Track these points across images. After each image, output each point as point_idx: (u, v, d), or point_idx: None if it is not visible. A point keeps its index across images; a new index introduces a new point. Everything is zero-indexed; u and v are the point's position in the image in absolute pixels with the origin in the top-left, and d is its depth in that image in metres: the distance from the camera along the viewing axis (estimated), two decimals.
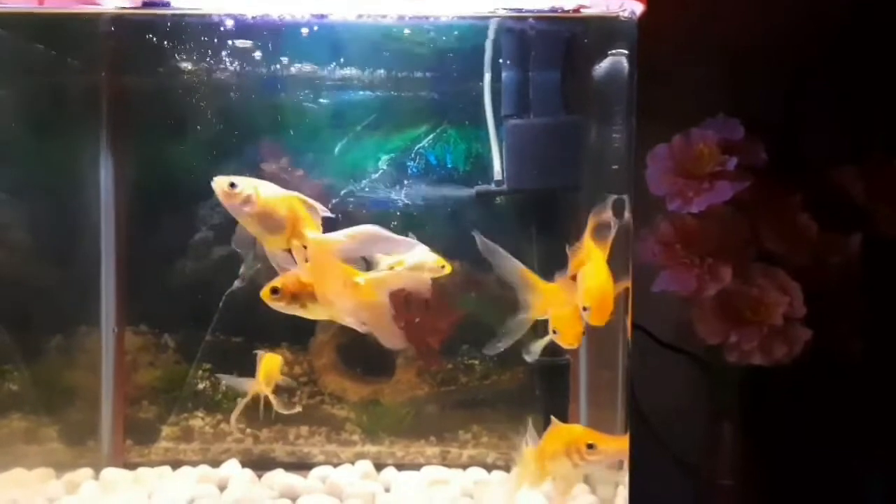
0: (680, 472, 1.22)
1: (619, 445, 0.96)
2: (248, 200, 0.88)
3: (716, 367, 1.17)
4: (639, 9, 0.92)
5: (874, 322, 1.15)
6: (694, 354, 1.20)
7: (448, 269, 1.04)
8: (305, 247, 0.90)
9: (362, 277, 0.93)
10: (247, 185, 0.89)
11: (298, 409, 1.13)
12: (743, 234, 1.14)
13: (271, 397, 1.09)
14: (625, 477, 0.99)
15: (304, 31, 1.01)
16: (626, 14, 0.92)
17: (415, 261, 1.04)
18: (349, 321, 0.93)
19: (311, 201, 0.92)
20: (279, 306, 0.93)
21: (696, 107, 1.17)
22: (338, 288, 0.91)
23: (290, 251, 0.91)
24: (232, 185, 0.88)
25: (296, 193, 0.92)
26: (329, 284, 0.91)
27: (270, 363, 1.08)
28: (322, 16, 0.97)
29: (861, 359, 1.14)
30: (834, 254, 1.15)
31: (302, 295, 0.92)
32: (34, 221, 1.05)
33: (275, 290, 0.92)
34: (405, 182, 1.14)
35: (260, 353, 1.08)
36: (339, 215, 1.14)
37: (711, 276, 1.11)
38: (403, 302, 1.17)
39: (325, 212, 0.92)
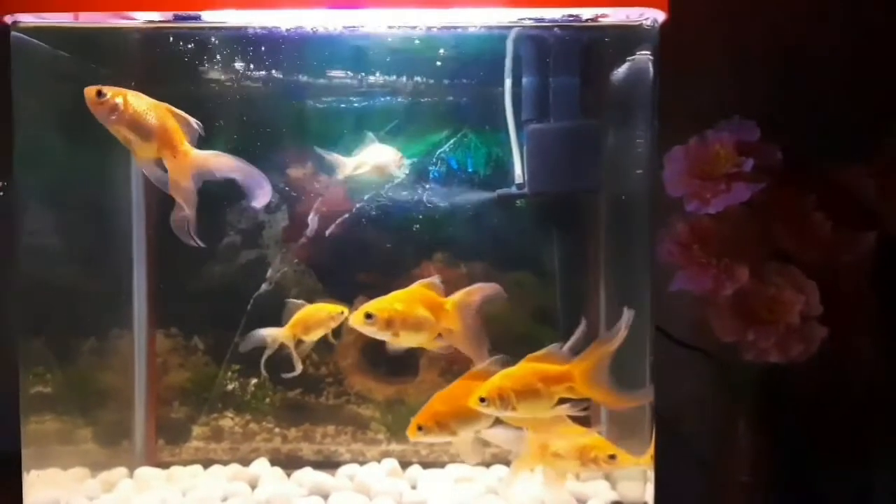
0: (697, 469, 1.24)
1: (635, 463, 0.99)
2: (115, 108, 0.90)
3: (732, 365, 1.19)
4: (661, 17, 0.94)
5: (889, 319, 1.17)
6: (710, 353, 1.22)
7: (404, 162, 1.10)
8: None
9: (449, 303, 0.97)
10: (115, 93, 0.91)
11: (297, 370, 1.11)
12: (758, 233, 1.16)
13: (293, 349, 1.07)
14: (651, 473, 1.02)
15: (333, 40, 1.03)
16: (648, 22, 0.94)
17: (376, 161, 1.10)
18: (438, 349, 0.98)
19: (182, 113, 0.94)
20: (371, 331, 0.95)
21: (712, 109, 1.19)
22: (431, 317, 0.96)
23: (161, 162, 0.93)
24: (99, 93, 0.90)
25: (166, 105, 0.94)
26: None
27: (315, 312, 1.06)
28: (354, 27, 0.99)
29: (876, 355, 1.16)
30: (847, 252, 1.16)
31: (395, 322, 0.94)
32: (68, 226, 1.08)
33: (369, 316, 0.94)
34: (429, 185, 1.16)
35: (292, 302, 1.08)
36: (364, 219, 1.18)
37: (728, 275, 1.13)
38: None
39: (197, 125, 0.95)
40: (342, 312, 1.07)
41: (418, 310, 0.96)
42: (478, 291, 0.98)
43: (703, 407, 1.24)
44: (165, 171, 0.95)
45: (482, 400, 0.92)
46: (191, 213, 0.95)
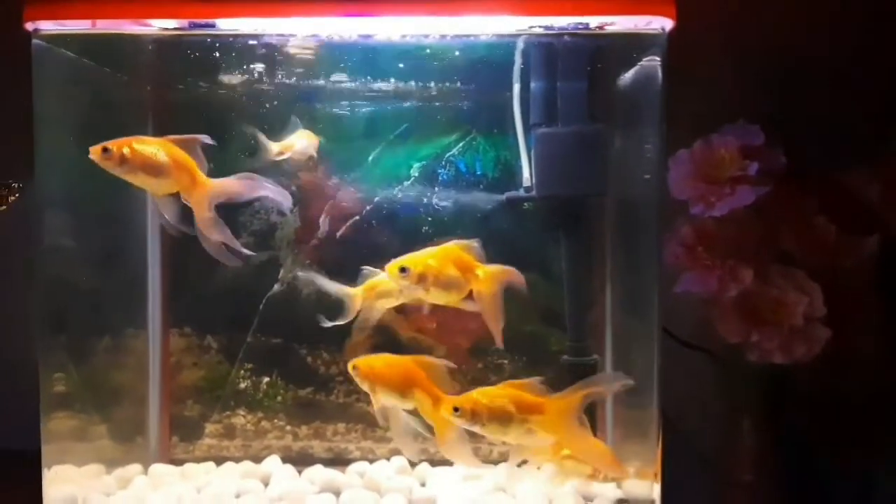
0: (701, 469, 1.25)
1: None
2: (124, 159, 0.93)
3: (736, 366, 1.20)
4: (668, 25, 0.95)
5: (892, 320, 1.19)
6: (715, 353, 1.23)
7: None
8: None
9: (482, 270, 0.98)
10: (119, 145, 0.93)
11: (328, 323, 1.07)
12: (762, 236, 1.17)
13: (354, 304, 1.04)
14: (657, 471, 1.03)
15: (345, 47, 1.05)
16: (656, 30, 0.96)
17: (298, 145, 1.14)
18: (466, 306, 0.99)
19: (186, 137, 0.97)
20: (403, 285, 0.95)
21: (717, 113, 1.21)
22: (462, 277, 0.97)
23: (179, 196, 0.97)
24: (105, 150, 0.93)
25: (170, 137, 0.96)
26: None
27: (389, 282, 1.02)
28: (368, 36, 1.01)
29: (879, 356, 1.18)
30: (851, 255, 1.18)
31: (427, 278, 0.95)
32: (85, 228, 1.10)
33: (403, 269, 0.95)
34: (439, 188, 1.18)
35: (368, 269, 1.06)
36: (375, 221, 1.20)
37: (732, 277, 1.14)
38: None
39: (206, 139, 0.97)
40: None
41: (450, 269, 0.97)
42: (513, 274, 0.99)
43: (708, 407, 1.26)
44: (182, 205, 0.98)
45: (455, 410, 0.95)
46: (222, 236, 0.99)
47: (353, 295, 1.06)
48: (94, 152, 0.93)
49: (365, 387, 1.00)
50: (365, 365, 0.99)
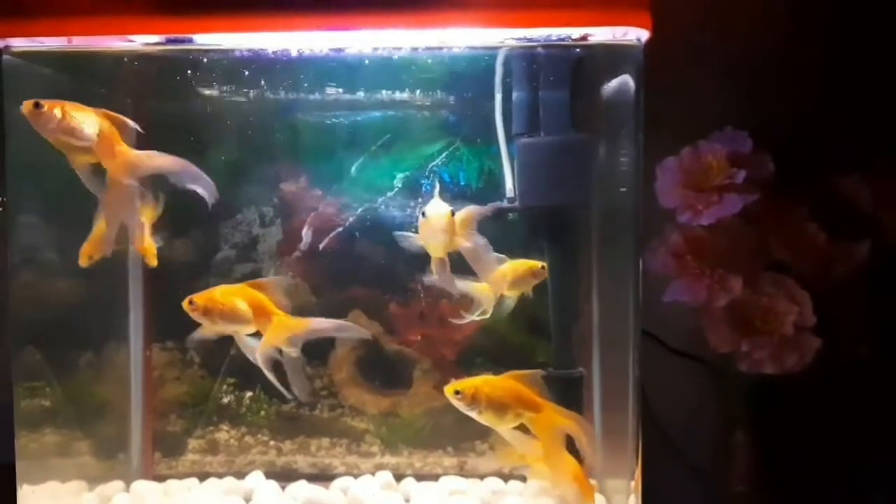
0: (693, 479, 1.23)
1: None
2: (52, 118, 0.91)
3: (727, 375, 1.19)
4: (644, 36, 0.94)
5: (883, 328, 1.17)
6: (706, 362, 1.21)
7: None
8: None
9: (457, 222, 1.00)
10: (52, 104, 0.91)
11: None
12: (752, 244, 1.16)
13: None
14: (637, 485, 1.02)
15: (326, 59, 1.04)
16: (632, 41, 0.95)
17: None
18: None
19: (119, 116, 0.95)
20: (446, 232, 0.98)
21: (704, 120, 1.19)
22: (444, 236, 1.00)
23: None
24: (37, 104, 0.91)
25: (104, 110, 0.94)
26: None
27: (516, 267, 1.06)
28: (339, 49, 1.00)
29: (871, 365, 1.16)
30: (842, 262, 1.17)
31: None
32: (63, 240, 1.09)
33: (453, 213, 0.99)
34: (423, 199, 1.17)
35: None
36: (358, 233, 1.19)
37: (722, 286, 1.13)
38: (419, 315, 1.21)
39: (136, 127, 0.96)
40: (542, 267, 1.08)
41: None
42: (475, 212, 1.03)
43: (699, 416, 1.24)
44: (102, 178, 0.96)
45: (457, 392, 0.96)
46: (127, 216, 0.96)
47: (483, 289, 1.07)
48: (27, 105, 0.91)
49: (204, 321, 1.01)
50: (203, 298, 1.00)
